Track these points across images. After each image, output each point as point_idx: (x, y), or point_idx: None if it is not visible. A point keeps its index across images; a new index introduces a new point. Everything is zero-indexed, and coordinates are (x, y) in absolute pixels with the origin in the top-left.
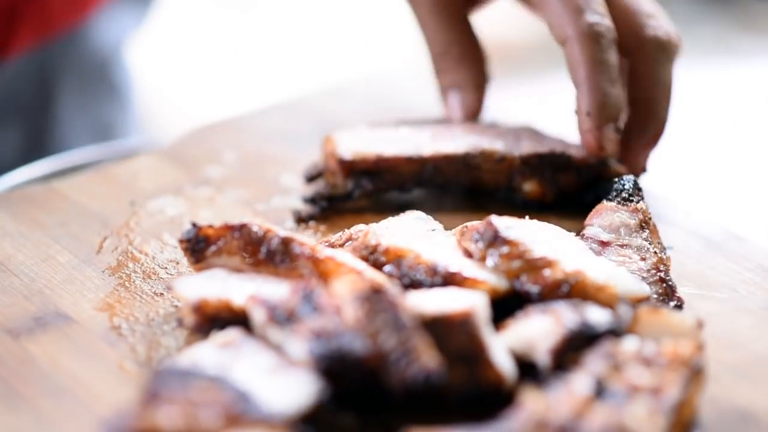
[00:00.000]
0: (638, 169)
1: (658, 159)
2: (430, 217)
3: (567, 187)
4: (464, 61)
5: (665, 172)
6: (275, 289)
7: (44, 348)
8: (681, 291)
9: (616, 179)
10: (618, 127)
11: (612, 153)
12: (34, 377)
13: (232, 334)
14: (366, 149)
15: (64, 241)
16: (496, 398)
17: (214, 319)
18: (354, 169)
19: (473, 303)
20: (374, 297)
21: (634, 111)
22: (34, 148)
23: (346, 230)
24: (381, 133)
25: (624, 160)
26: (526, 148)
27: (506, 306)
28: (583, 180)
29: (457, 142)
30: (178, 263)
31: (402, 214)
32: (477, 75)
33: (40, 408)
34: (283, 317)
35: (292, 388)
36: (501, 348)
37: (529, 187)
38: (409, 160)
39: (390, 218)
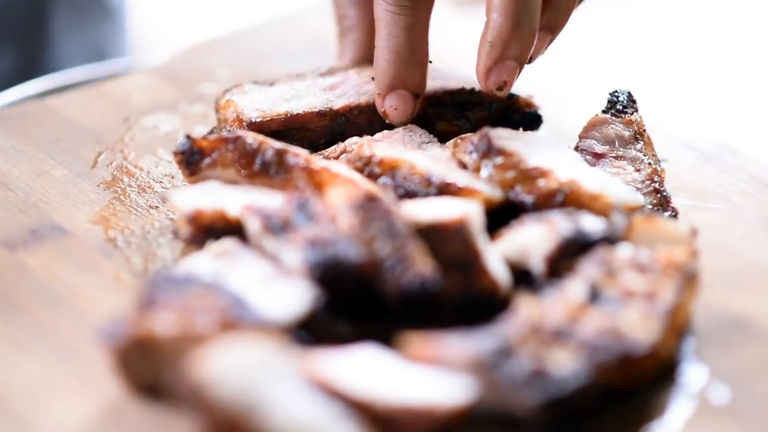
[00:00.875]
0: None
1: (654, 72)
2: (424, 131)
3: (479, 122)
4: (359, 8)
5: (660, 85)
6: (270, 200)
7: (41, 260)
8: (675, 202)
9: (611, 92)
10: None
11: (506, 92)
12: (31, 289)
13: (228, 243)
14: (272, 108)
15: (58, 157)
16: (491, 305)
17: (209, 230)
18: (262, 130)
19: (468, 210)
20: (369, 205)
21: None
22: (28, 69)
23: (341, 143)
24: (277, 91)
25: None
26: (432, 88)
27: (501, 216)
28: (493, 114)
29: (361, 90)
30: (173, 177)
31: (397, 128)
32: (367, 18)
33: (38, 318)
34: (278, 226)
35: (287, 296)
36: (496, 256)
37: (442, 126)
38: (321, 115)
39: (384, 131)
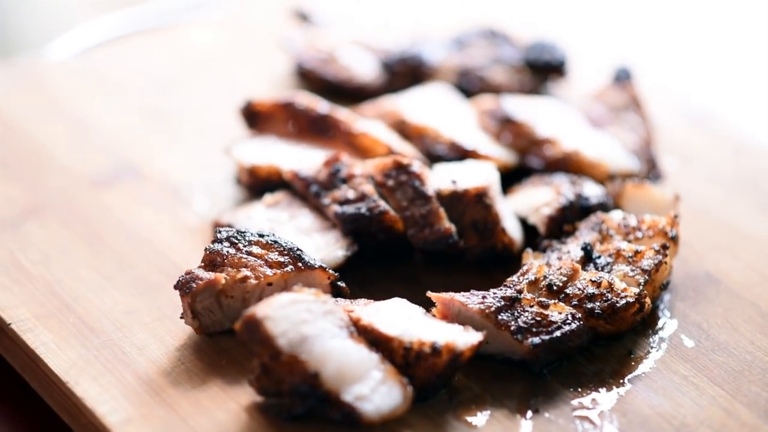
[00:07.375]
0: None
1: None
2: (452, 89)
3: None
4: None
5: (657, 52)
6: (315, 158)
7: (120, 200)
8: (663, 164)
9: (616, 66)
10: None
11: None
12: (113, 225)
13: (280, 195)
14: None
15: (131, 102)
16: (506, 258)
17: (266, 181)
18: None
19: (488, 179)
20: (400, 171)
21: None
22: None
23: (374, 100)
24: None
25: None
26: None
27: (515, 176)
28: None
29: None
30: (234, 126)
31: (427, 85)
32: None
33: (121, 253)
34: (317, 189)
35: (328, 245)
36: (511, 216)
37: None
38: None
39: (415, 90)
